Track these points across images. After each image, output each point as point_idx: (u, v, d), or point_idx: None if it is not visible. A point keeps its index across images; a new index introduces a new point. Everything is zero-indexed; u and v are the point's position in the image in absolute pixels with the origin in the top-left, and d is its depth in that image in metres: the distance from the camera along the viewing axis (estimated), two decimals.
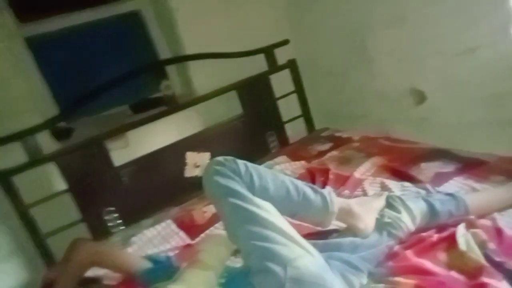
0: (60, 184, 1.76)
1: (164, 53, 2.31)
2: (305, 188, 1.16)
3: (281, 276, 0.94)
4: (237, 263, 1.32)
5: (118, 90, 1.89)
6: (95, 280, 1.37)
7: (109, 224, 1.82)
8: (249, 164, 1.13)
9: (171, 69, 2.31)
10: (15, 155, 1.63)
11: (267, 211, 1.04)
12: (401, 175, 1.58)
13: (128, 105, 2.27)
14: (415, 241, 1.16)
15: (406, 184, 1.50)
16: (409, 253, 1.11)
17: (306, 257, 0.99)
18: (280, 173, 1.48)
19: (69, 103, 1.81)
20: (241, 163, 1.11)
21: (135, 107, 2.25)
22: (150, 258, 1.37)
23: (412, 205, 1.20)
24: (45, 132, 1.79)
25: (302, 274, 0.95)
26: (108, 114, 2.23)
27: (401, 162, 1.67)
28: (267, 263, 0.96)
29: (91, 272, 1.36)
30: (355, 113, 2.33)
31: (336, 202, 1.17)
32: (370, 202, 1.26)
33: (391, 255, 1.13)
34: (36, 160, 1.67)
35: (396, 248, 1.15)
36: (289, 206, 1.13)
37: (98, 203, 1.81)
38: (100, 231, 1.80)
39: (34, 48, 2.04)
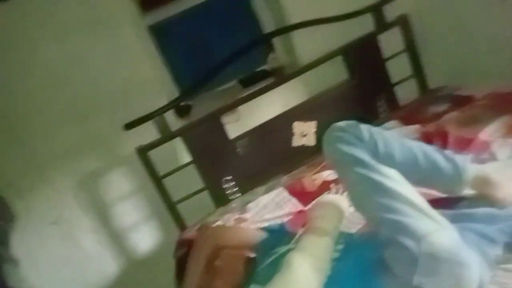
0: (186, 157, 1.96)
1: (268, 24, 2.33)
2: (436, 155, 1.08)
3: (415, 250, 0.92)
4: (350, 227, 1.32)
5: (228, 66, 1.99)
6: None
7: (228, 191, 1.99)
8: (374, 128, 1.08)
9: (275, 40, 2.33)
10: (148, 132, 1.84)
11: (395, 180, 1.00)
12: None
13: (237, 79, 2.38)
14: None
15: None
16: None
17: (440, 231, 0.94)
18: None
19: (189, 84, 1.98)
20: (364, 128, 1.07)
21: (243, 81, 2.35)
22: (265, 229, 1.44)
23: None
24: (170, 111, 1.99)
25: (437, 249, 0.91)
26: (219, 89, 2.38)
27: None
28: (400, 236, 0.94)
29: None
30: (481, 68, 2.07)
31: (471, 170, 1.08)
32: (510, 167, 1.14)
33: None
34: (166, 136, 1.86)
35: None
36: (416, 174, 1.07)
37: (218, 173, 1.97)
38: (220, 198, 1.97)
39: (156, 34, 2.24)
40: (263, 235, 1.39)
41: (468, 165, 1.10)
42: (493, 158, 1.38)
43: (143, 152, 1.84)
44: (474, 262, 0.92)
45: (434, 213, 0.98)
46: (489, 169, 1.12)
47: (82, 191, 2.09)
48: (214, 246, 1.37)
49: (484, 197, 1.11)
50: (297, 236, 1.17)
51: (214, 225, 1.73)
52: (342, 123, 1.10)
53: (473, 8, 1.97)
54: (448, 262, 0.91)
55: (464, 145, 1.54)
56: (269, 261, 1.17)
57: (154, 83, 2.08)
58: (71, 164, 2.04)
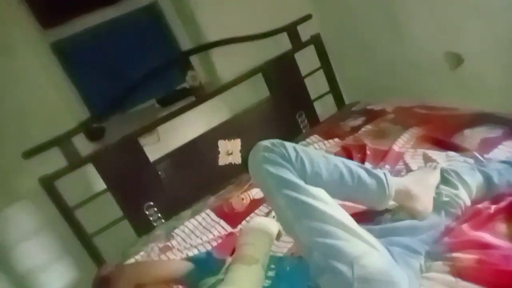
0: (100, 184, 1.79)
1: (185, 42, 2.28)
2: (359, 170, 1.10)
3: (349, 276, 0.91)
4: (279, 248, 1.30)
5: (144, 86, 1.88)
6: None
7: (150, 218, 1.85)
8: (298, 147, 1.07)
9: (193, 59, 2.28)
10: (54, 160, 1.66)
11: (325, 202, 1.00)
12: (444, 145, 1.51)
13: (155, 99, 2.27)
14: (470, 215, 1.11)
15: (451, 153, 1.44)
16: (465, 227, 1.06)
17: (371, 254, 0.95)
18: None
19: (102, 106, 1.82)
20: (290, 146, 1.05)
21: (162, 101, 2.24)
22: (191, 259, 1.36)
23: (469, 179, 1.14)
24: (79, 134, 1.81)
25: (370, 273, 0.92)
26: (136, 110, 2.23)
27: (442, 131, 1.60)
28: (332, 261, 0.93)
29: None
30: (386, 84, 2.24)
31: (392, 184, 1.11)
32: (426, 179, 1.19)
33: (447, 231, 1.09)
34: (75, 163, 1.69)
35: (452, 223, 1.10)
36: (343, 191, 1.08)
37: (138, 199, 1.83)
38: (142, 226, 1.83)
39: (58, 53, 2.05)
40: (190, 265, 1.29)
41: (390, 179, 1.13)
42: (407, 168, 1.47)
43: (47, 182, 1.65)
44: (404, 280, 0.94)
45: (365, 233, 0.99)
46: (407, 182, 1.17)
47: None
48: (135, 286, 1.24)
49: (405, 209, 1.16)
50: (226, 265, 1.11)
51: (131, 261, 1.59)
52: (267, 142, 1.06)
53: (374, 30, 2.14)
54: (382, 283, 0.92)
55: (380, 156, 1.63)
56: None
57: (59, 106, 1.88)
58: None
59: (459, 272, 0.94)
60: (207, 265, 1.24)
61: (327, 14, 2.30)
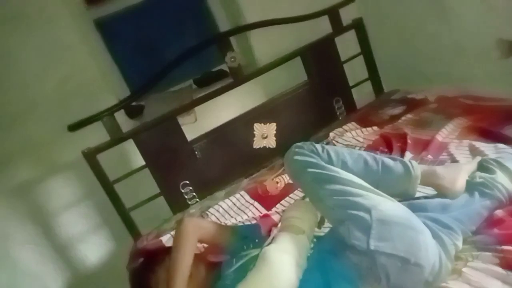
0: (139, 160, 1.83)
1: (224, 24, 2.27)
2: (383, 157, 1.17)
3: (367, 219, 0.97)
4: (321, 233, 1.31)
5: (182, 65, 1.89)
6: None
7: (186, 197, 1.88)
8: (326, 145, 1.21)
9: (233, 40, 2.27)
10: (98, 134, 1.70)
11: (345, 173, 1.08)
12: (492, 136, 1.45)
13: (192, 79, 2.28)
14: None
15: (501, 145, 1.38)
16: None
17: (389, 203, 1.01)
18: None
19: (141, 84, 1.84)
20: (318, 145, 1.19)
21: (199, 81, 2.25)
22: (239, 228, 1.39)
23: (510, 164, 1.11)
24: (120, 111, 1.84)
25: (388, 215, 0.97)
26: (173, 90, 2.25)
27: (490, 122, 1.54)
28: (351, 211, 0.99)
29: None
30: (428, 71, 2.16)
31: (417, 165, 1.14)
32: (459, 165, 1.21)
33: (496, 221, 1.05)
34: (117, 138, 1.72)
35: (500, 213, 1.07)
36: (369, 176, 1.12)
37: (174, 177, 1.86)
38: (177, 204, 1.87)
39: (101, 30, 2.08)
40: (233, 236, 1.31)
41: (415, 163, 1.16)
42: (452, 159, 1.42)
43: (90, 155, 1.69)
44: (427, 231, 0.97)
45: (384, 194, 1.05)
46: (436, 167, 1.19)
47: (18, 200, 1.87)
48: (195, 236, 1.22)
49: (437, 190, 1.16)
50: (270, 237, 1.13)
51: (167, 236, 1.63)
52: (299, 143, 1.22)
53: (418, 13, 2.05)
54: (400, 226, 0.96)
55: (422, 146, 1.58)
56: (238, 265, 1.12)
57: (100, 82, 1.92)
58: (3, 171, 1.82)
59: (511, 265, 0.91)
60: (250, 237, 1.25)
61: None
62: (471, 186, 1.13)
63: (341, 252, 1.01)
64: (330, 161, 1.13)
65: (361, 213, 0.98)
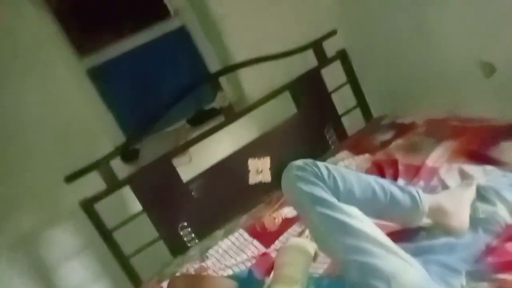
0: (136, 205, 1.84)
1: (213, 63, 2.33)
2: (392, 187, 1.10)
3: None
4: (316, 268, 1.29)
5: (176, 107, 1.93)
6: None
7: (185, 239, 1.88)
8: (330, 166, 1.09)
9: (221, 78, 2.33)
10: (96, 181, 1.71)
11: (359, 219, 1.00)
12: (480, 158, 1.47)
13: (185, 119, 2.32)
14: None
15: (489, 167, 1.39)
16: (509, 246, 1.03)
17: (408, 271, 0.94)
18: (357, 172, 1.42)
19: (135, 126, 1.88)
20: (322, 165, 1.07)
21: (192, 121, 2.29)
22: (233, 277, 1.37)
23: (510, 196, 1.11)
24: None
25: None
26: (167, 130, 2.29)
27: (478, 144, 1.56)
28: (369, 279, 0.93)
29: None
30: (414, 95, 2.21)
31: (426, 200, 1.11)
32: (460, 195, 1.18)
33: (489, 250, 1.06)
34: (113, 185, 1.74)
35: (493, 241, 1.07)
36: (376, 208, 1.08)
37: (172, 220, 1.86)
38: (177, 247, 1.86)
39: (94, 76, 2.13)
40: (233, 284, 1.30)
41: (422, 195, 1.13)
42: (443, 184, 1.44)
43: (87, 205, 1.70)
44: None
45: (400, 251, 0.98)
46: (440, 199, 1.17)
47: (18, 252, 1.86)
48: None
49: (440, 226, 1.14)
50: (266, 286, 1.12)
51: (178, 274, 1.61)
52: (299, 162, 1.08)
53: (400, 41, 2.12)
54: None
55: (414, 172, 1.60)
56: None
57: (96, 128, 1.97)
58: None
59: None
60: (248, 284, 1.24)
61: (352, 27, 2.30)
62: (475, 222, 1.12)
63: None
64: (336, 190, 1.05)
65: (380, 284, 0.91)
